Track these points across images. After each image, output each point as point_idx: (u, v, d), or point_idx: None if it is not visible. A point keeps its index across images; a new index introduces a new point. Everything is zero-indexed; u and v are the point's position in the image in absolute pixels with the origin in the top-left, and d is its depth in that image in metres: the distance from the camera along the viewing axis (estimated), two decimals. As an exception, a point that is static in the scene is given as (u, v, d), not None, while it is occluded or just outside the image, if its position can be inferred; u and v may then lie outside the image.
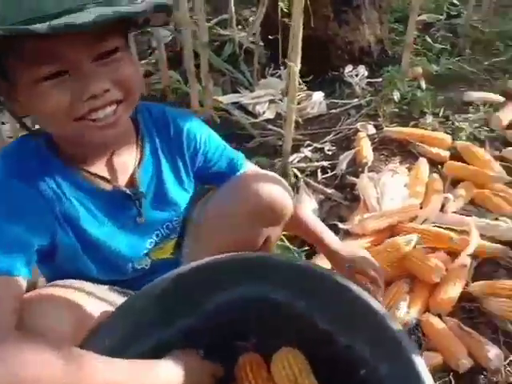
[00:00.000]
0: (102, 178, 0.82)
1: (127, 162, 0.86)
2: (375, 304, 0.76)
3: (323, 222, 1.50)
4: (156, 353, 0.79)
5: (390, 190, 1.45)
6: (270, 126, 2.08)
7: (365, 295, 0.77)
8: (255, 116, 2.23)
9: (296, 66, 1.55)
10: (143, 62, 2.76)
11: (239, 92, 2.46)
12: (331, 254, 1.10)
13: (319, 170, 1.73)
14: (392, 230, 1.38)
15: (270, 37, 1.74)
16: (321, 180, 1.69)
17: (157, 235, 0.93)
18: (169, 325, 0.83)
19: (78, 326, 0.73)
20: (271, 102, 2.32)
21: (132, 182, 0.86)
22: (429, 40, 2.64)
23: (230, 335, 0.86)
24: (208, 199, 1.02)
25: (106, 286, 0.89)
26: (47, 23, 0.59)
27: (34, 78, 0.66)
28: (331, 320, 0.82)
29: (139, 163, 0.87)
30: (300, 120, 1.91)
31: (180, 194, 0.95)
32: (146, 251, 0.92)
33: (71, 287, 0.80)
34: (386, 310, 0.78)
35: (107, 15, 0.63)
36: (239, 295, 0.85)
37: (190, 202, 0.99)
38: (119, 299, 0.87)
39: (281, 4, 1.50)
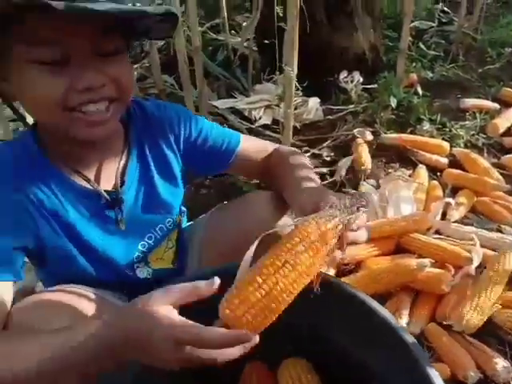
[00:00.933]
0: (87, 179, 0.80)
1: (114, 164, 0.84)
2: (390, 317, 0.73)
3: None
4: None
5: (397, 197, 1.43)
6: (266, 132, 2.06)
7: (380, 308, 0.75)
8: (251, 121, 2.21)
9: (293, 70, 1.53)
10: (136, 66, 2.73)
11: (234, 97, 2.45)
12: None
13: (318, 177, 1.70)
14: (398, 239, 1.36)
15: (266, 41, 1.72)
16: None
17: (150, 238, 0.91)
18: None
19: None
20: (267, 107, 2.30)
21: (116, 187, 0.84)
22: (422, 47, 2.66)
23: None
24: (214, 214, 0.99)
25: (109, 292, 0.85)
26: (63, 2, 0.57)
27: (31, 59, 0.64)
28: (344, 333, 0.79)
29: (125, 166, 0.85)
30: (298, 126, 1.89)
31: (173, 193, 0.92)
32: (139, 254, 0.90)
33: (68, 292, 0.77)
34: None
35: (121, 8, 0.62)
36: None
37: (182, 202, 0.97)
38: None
39: (277, 8, 1.48)
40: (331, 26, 2.41)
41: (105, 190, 0.81)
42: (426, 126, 1.91)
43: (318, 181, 0.90)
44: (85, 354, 0.56)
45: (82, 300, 0.75)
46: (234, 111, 2.29)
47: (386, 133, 1.91)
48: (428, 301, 1.19)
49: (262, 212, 0.90)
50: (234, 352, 0.56)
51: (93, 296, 0.78)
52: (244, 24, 3.35)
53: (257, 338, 0.57)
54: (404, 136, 1.85)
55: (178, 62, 1.89)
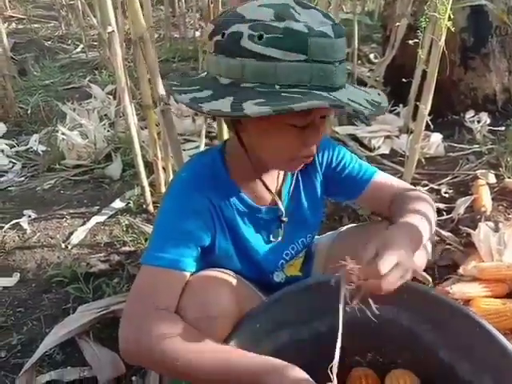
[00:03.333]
0: (256, 194, 0.95)
1: (274, 184, 0.98)
2: (503, 340, 0.79)
3: (434, 263, 1.54)
4: (286, 348, 0.88)
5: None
6: (384, 161, 2.15)
7: (493, 331, 0.80)
8: (370, 149, 2.31)
9: (426, 108, 1.62)
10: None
11: (355, 124, 2.56)
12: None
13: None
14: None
15: (403, 80, 1.81)
16: (436, 222, 1.71)
17: (292, 248, 1.05)
18: (304, 324, 0.91)
19: (236, 304, 0.84)
20: (387, 137, 2.39)
21: (275, 202, 0.97)
22: (561, 93, 2.55)
23: (349, 347, 0.93)
24: (343, 234, 1.13)
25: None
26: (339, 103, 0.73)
27: (285, 123, 0.79)
28: (455, 353, 0.86)
29: (282, 184, 0.99)
30: (423, 160, 1.94)
31: (315, 212, 1.05)
32: (283, 261, 1.04)
33: (228, 273, 0.92)
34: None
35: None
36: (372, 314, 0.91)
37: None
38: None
39: (419, 51, 1.59)
40: (463, 66, 2.44)
41: (265, 205, 0.97)
42: (557, 175, 1.86)
43: (426, 233, 0.90)
44: None
45: (237, 281, 0.91)
46: (354, 138, 2.40)
47: (510, 177, 1.89)
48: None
49: None
50: None
51: (244, 281, 0.95)
52: (371, 55, 3.47)
53: None
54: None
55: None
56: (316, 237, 1.17)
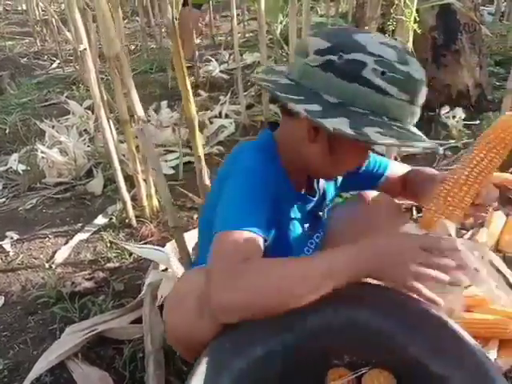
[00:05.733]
0: (297, 185, 1.00)
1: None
2: (474, 342, 0.81)
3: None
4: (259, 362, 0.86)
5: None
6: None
7: (464, 333, 0.82)
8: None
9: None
10: (246, 94, 2.98)
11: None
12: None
13: (414, 209, 1.78)
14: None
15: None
16: (416, 219, 1.74)
17: (317, 237, 1.11)
18: (275, 336, 0.91)
19: None
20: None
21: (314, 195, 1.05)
22: (531, 85, 2.60)
23: (326, 351, 0.94)
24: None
25: None
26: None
27: (367, 147, 0.94)
28: (427, 351, 0.86)
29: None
30: (398, 158, 1.98)
31: (331, 203, 1.13)
32: (308, 248, 1.09)
33: None
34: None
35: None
36: (344, 318, 0.92)
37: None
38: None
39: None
40: (436, 63, 2.48)
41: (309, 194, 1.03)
42: (530, 167, 1.89)
43: None
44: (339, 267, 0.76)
45: None
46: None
47: (486, 171, 1.92)
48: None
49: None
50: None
51: None
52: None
53: None
54: (506, 175, 1.84)
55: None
56: None
